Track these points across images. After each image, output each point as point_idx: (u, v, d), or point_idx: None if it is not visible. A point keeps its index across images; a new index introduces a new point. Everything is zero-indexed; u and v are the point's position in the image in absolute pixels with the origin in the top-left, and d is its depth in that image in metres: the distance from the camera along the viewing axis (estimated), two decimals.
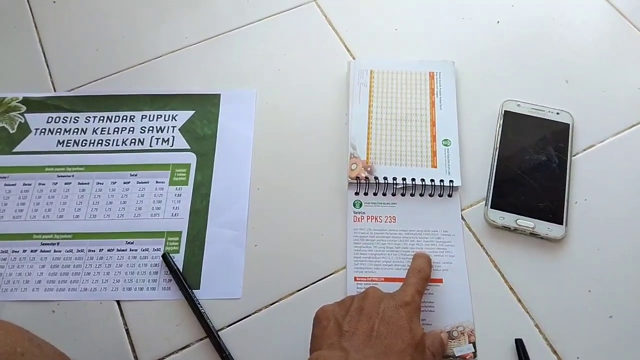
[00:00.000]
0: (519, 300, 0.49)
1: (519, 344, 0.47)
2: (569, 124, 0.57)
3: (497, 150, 0.55)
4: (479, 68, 0.62)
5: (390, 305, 0.43)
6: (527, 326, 0.48)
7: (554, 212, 0.52)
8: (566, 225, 0.51)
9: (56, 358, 0.38)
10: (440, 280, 0.50)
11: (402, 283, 0.47)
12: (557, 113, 0.57)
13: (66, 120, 0.60)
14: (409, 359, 0.40)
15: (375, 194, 0.54)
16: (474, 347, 0.47)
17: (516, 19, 0.66)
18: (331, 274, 0.51)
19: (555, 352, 0.47)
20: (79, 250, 0.52)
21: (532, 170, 0.54)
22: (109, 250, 0.52)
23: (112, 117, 0.60)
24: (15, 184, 0.56)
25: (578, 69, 0.62)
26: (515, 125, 0.57)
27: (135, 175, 0.56)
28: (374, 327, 0.41)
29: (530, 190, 0.53)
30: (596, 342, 0.47)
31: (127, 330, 0.49)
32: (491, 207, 0.52)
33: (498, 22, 0.66)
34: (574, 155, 0.56)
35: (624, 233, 0.52)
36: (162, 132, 0.59)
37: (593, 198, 0.54)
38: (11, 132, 0.59)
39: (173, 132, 0.59)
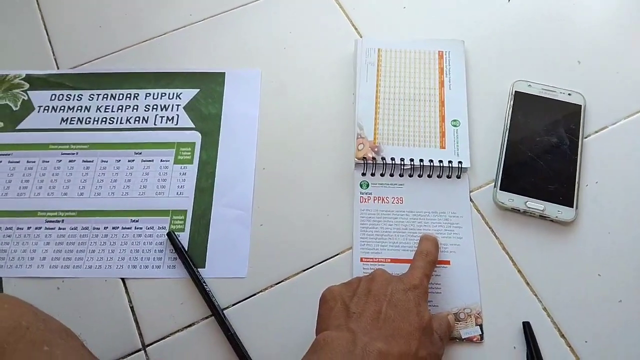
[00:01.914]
0: (527, 283, 0.49)
1: (527, 327, 0.46)
2: (580, 105, 0.56)
3: (507, 131, 0.54)
4: (489, 48, 0.61)
5: (398, 288, 0.42)
6: (535, 309, 0.48)
7: (565, 194, 0.51)
8: (576, 208, 0.51)
9: (61, 333, 0.37)
10: (448, 262, 0.50)
11: (408, 265, 0.47)
12: (569, 94, 0.56)
13: (70, 98, 0.59)
14: (416, 343, 0.39)
15: (382, 175, 0.54)
16: (481, 329, 0.47)
17: None
18: (337, 255, 0.51)
19: (563, 336, 0.46)
20: (83, 228, 0.52)
21: (542, 152, 0.53)
22: (113, 228, 0.52)
23: (115, 94, 0.59)
24: (19, 162, 0.56)
25: (590, 49, 0.60)
26: (525, 106, 0.56)
27: (140, 153, 0.56)
28: (381, 309, 0.40)
29: (540, 172, 0.52)
30: (605, 327, 0.47)
31: (132, 308, 0.49)
32: (500, 189, 0.52)
33: (509, 0, 0.64)
34: (586, 137, 0.55)
35: (635, 216, 0.51)
36: (166, 110, 0.58)
37: (604, 181, 0.53)
38: (14, 109, 0.58)
39: (177, 110, 0.58)
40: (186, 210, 0.53)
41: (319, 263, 0.50)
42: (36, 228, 0.52)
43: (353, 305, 0.41)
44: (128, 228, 0.52)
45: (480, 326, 0.47)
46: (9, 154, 0.56)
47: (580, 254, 0.50)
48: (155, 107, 0.58)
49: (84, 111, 0.58)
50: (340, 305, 0.42)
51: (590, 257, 0.49)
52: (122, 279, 0.50)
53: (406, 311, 0.41)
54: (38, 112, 0.58)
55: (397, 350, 0.38)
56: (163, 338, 0.47)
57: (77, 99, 0.59)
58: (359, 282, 0.44)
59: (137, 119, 0.58)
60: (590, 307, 0.47)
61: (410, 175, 0.54)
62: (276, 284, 0.50)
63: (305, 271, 0.50)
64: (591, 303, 0.48)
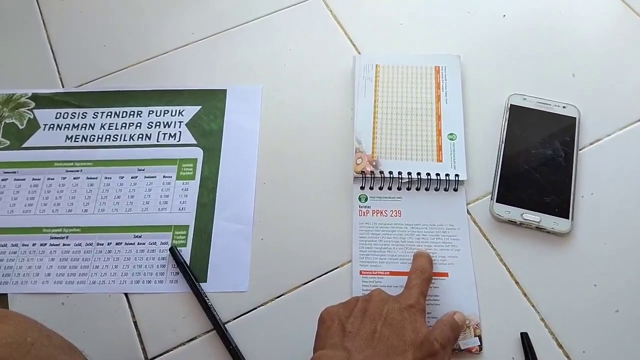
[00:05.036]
0: (525, 294, 0.49)
1: (525, 337, 0.47)
2: (575, 118, 0.56)
3: (503, 144, 0.55)
4: (485, 62, 0.62)
5: (394, 308, 0.43)
6: (533, 320, 0.48)
7: (560, 206, 0.52)
8: (572, 219, 0.51)
9: (64, 348, 0.38)
10: (446, 274, 0.50)
11: (406, 278, 0.47)
12: (564, 107, 0.57)
13: (74, 116, 0.60)
14: (411, 358, 0.40)
15: (380, 188, 0.54)
16: (480, 340, 0.47)
17: (522, 12, 0.66)
18: (337, 268, 0.51)
19: (560, 346, 0.47)
20: (87, 244, 0.53)
21: (538, 164, 0.54)
22: (117, 244, 0.53)
23: (119, 112, 0.60)
24: (24, 179, 0.57)
25: (585, 62, 0.61)
26: (521, 119, 0.57)
27: (143, 170, 0.57)
28: (376, 328, 0.41)
29: (536, 184, 0.53)
30: (602, 336, 0.47)
31: (135, 323, 0.50)
32: (497, 201, 0.52)
33: (504, 15, 0.65)
34: (581, 149, 0.56)
35: (630, 227, 0.52)
36: (169, 127, 0.59)
37: (599, 192, 0.53)
38: (20, 127, 0.60)
39: (180, 127, 0.59)
40: (188, 226, 0.54)
41: (319, 276, 0.51)
42: (41, 244, 0.53)
43: (349, 325, 0.42)
44: (131, 244, 0.53)
45: (479, 337, 0.47)
46: (14, 172, 0.57)
47: (577, 264, 0.50)
48: (158, 124, 0.60)
49: (89, 129, 0.60)
50: (337, 325, 0.42)
51: (586, 267, 0.50)
52: (126, 294, 0.51)
53: (401, 329, 0.41)
54: (43, 130, 0.60)
55: None
56: (166, 352, 0.48)
57: (82, 117, 0.60)
58: (356, 302, 0.44)
59: (141, 136, 0.59)
60: (587, 317, 0.48)
61: (408, 189, 0.54)
62: (277, 297, 0.50)
63: (306, 284, 0.51)
64: (588, 313, 0.48)
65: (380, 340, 0.40)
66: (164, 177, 0.56)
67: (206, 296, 0.50)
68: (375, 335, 0.41)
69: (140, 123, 0.60)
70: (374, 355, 0.39)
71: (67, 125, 0.60)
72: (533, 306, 0.49)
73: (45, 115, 0.61)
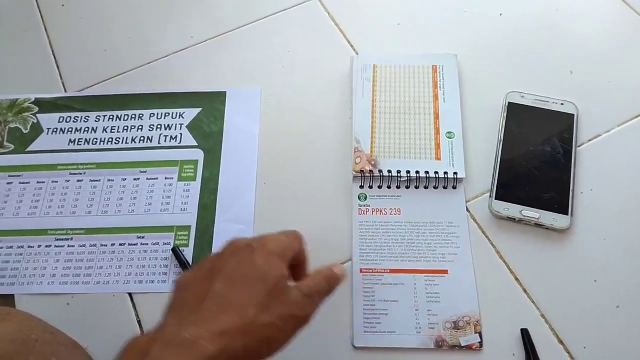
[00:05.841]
0: (525, 291, 0.49)
1: (525, 333, 0.47)
2: (573, 115, 0.57)
3: (501, 141, 0.55)
4: (482, 60, 0.62)
5: (243, 256, 0.35)
6: (533, 316, 0.48)
7: (559, 202, 0.52)
8: (571, 215, 0.51)
9: (68, 345, 0.39)
10: (446, 271, 0.50)
11: (407, 275, 0.48)
12: (562, 104, 0.57)
13: (77, 120, 0.61)
14: (253, 309, 0.33)
15: (379, 187, 0.55)
16: (480, 337, 0.47)
17: (519, 10, 0.66)
18: None
19: (561, 342, 0.47)
20: (91, 245, 0.54)
21: (536, 161, 0.54)
22: (120, 245, 0.54)
23: (121, 115, 0.61)
24: (29, 182, 0.57)
25: (582, 59, 0.62)
26: (519, 117, 0.57)
27: (145, 171, 0.58)
28: (209, 288, 0.33)
29: (534, 181, 0.53)
30: (602, 332, 0.47)
31: (139, 322, 0.50)
32: (496, 198, 0.53)
33: (500, 14, 0.66)
34: (579, 146, 0.56)
35: (630, 223, 0.52)
36: (170, 129, 0.60)
37: (598, 188, 0.54)
38: (24, 131, 0.61)
39: (180, 129, 0.60)
40: (190, 226, 0.54)
41: None
42: (46, 246, 0.54)
43: (185, 291, 0.35)
44: (134, 244, 0.54)
45: (479, 334, 0.47)
46: (19, 175, 0.58)
47: (577, 260, 0.50)
48: (159, 126, 0.60)
49: (91, 132, 0.60)
50: (175, 294, 0.36)
51: (586, 263, 0.50)
52: (129, 294, 0.52)
53: (243, 278, 0.34)
54: (47, 134, 0.61)
55: (217, 328, 0.31)
56: None
57: (84, 121, 0.61)
58: (206, 259, 0.37)
59: (142, 138, 0.60)
60: (587, 313, 0.48)
61: (407, 187, 0.55)
62: None
63: None
64: (588, 309, 0.48)
65: (212, 300, 0.33)
66: (165, 178, 0.57)
67: None
68: (206, 296, 0.33)
69: (142, 126, 0.60)
70: (191, 323, 0.32)
71: (70, 129, 0.61)
72: (533, 302, 0.49)
73: (48, 120, 0.61)
